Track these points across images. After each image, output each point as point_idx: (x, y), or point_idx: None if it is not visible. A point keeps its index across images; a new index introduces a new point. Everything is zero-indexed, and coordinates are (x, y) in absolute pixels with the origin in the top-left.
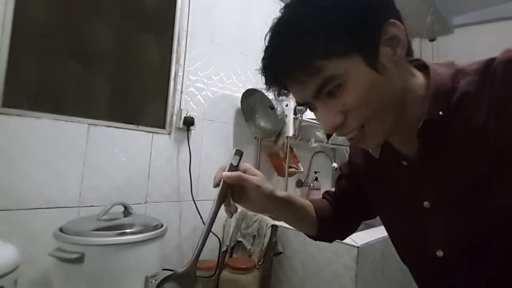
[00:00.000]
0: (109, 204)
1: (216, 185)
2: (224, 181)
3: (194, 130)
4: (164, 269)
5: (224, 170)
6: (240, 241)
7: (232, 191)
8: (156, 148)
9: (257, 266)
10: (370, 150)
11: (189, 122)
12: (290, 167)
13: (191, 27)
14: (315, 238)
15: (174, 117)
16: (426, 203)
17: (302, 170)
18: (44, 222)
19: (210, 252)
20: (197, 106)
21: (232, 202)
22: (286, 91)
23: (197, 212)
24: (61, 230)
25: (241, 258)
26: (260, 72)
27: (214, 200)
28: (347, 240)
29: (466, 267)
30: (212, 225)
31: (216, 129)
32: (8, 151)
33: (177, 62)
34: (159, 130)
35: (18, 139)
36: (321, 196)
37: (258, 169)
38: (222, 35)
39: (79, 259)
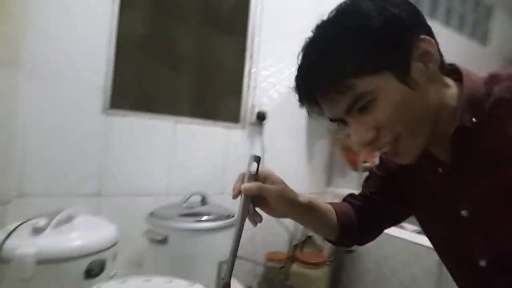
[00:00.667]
0: (192, 193)
1: (235, 197)
2: (244, 194)
3: (267, 125)
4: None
5: (243, 179)
6: (311, 236)
7: (253, 200)
8: (231, 142)
9: (328, 263)
10: None
11: (262, 117)
12: (364, 161)
13: (264, 24)
14: (334, 243)
15: (248, 112)
16: (464, 212)
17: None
18: (139, 207)
19: (282, 245)
20: (270, 101)
21: (255, 211)
22: (319, 108)
23: None
24: (151, 214)
25: (311, 253)
26: (294, 90)
27: (237, 213)
28: (428, 243)
29: (510, 277)
30: (239, 240)
31: (289, 123)
32: (114, 146)
33: (251, 58)
34: (234, 125)
35: (121, 135)
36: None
37: (331, 163)
38: (294, 30)
39: (164, 241)
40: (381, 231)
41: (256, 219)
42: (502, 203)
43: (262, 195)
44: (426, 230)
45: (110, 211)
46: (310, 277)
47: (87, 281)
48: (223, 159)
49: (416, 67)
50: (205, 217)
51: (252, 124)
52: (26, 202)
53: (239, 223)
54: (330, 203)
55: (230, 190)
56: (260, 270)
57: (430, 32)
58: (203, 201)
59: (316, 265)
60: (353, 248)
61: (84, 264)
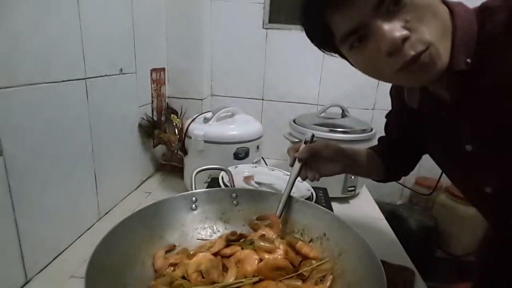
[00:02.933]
0: (330, 105)
1: (291, 164)
2: (298, 159)
3: None
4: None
5: (295, 150)
6: None
7: (310, 166)
8: None
9: None
10: (407, 100)
11: None
12: None
13: None
14: (384, 180)
15: None
16: (468, 147)
17: None
18: (291, 113)
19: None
20: None
21: (306, 171)
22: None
23: None
24: (294, 120)
25: None
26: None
27: (290, 175)
28: None
29: None
30: (288, 195)
31: None
32: (272, 58)
33: None
34: None
35: (277, 48)
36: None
37: None
38: None
39: (297, 143)
40: (416, 160)
41: (308, 176)
42: (502, 139)
43: (314, 158)
44: (438, 163)
45: (269, 113)
46: (457, 213)
47: (235, 160)
48: None
49: None
50: (339, 129)
51: None
52: (214, 99)
53: (291, 183)
54: (369, 148)
55: (381, 107)
56: (407, 192)
57: None
58: (343, 114)
59: None
60: None
61: (234, 148)
